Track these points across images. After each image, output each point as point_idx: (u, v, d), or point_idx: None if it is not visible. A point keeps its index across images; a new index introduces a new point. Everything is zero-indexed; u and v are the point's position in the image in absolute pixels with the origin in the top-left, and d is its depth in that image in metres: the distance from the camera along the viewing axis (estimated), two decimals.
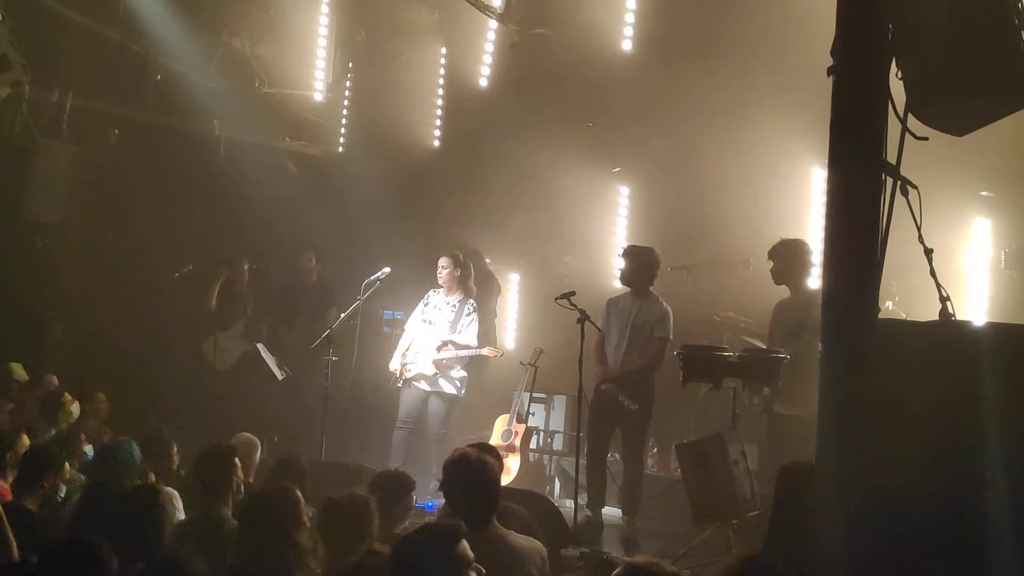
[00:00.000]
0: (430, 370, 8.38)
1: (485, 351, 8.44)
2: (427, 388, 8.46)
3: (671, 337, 7.40)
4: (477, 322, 8.51)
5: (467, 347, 8.37)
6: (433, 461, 8.29)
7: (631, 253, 7.73)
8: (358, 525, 4.37)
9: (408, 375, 8.46)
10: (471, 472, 4.28)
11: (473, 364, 8.73)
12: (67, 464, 5.52)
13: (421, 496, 7.66)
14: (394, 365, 8.57)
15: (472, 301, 8.56)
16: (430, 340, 8.45)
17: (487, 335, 10.05)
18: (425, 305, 8.63)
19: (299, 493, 4.31)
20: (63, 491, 5.58)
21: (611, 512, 7.91)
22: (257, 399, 9.47)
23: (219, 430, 7.18)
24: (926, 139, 3.82)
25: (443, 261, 8.53)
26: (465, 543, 3.40)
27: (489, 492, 4.28)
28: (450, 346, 8.35)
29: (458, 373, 8.48)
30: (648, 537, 7.22)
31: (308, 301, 10.00)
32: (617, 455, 8.02)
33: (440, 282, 8.53)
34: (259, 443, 6.46)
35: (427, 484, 7.83)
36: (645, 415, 7.42)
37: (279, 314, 10.16)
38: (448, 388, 8.46)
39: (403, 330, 8.85)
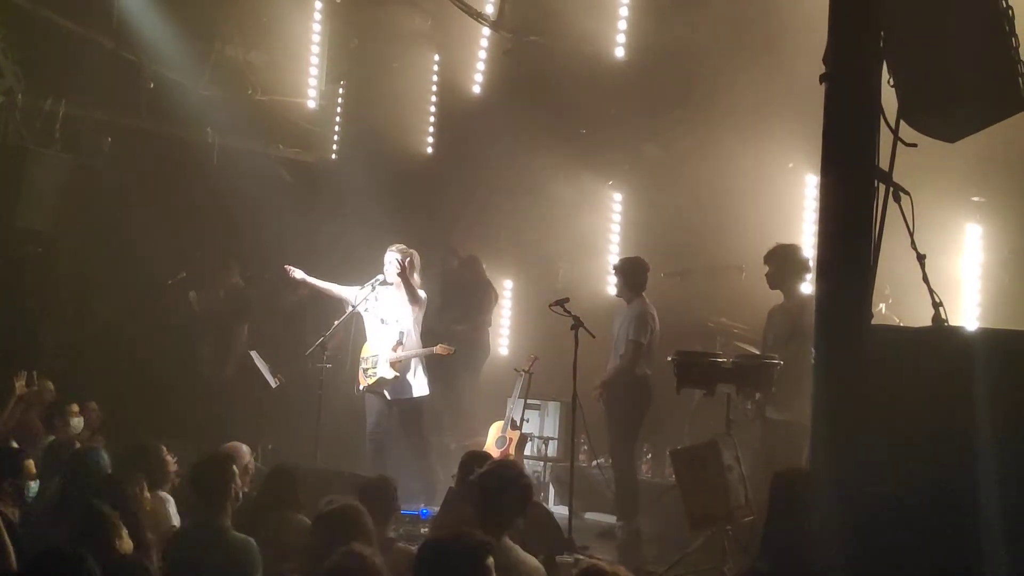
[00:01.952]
0: (390, 374, 8.17)
1: (436, 349, 8.26)
2: (389, 397, 8.26)
3: (642, 340, 7.45)
4: (420, 296, 8.24)
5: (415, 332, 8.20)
6: (416, 468, 8.26)
7: (616, 267, 7.97)
8: (353, 535, 4.39)
9: (370, 381, 8.25)
10: (514, 481, 4.45)
11: (457, 365, 8.63)
12: (29, 461, 5.47)
13: (410, 502, 7.65)
14: (308, 277, 8.46)
15: (421, 291, 8.32)
16: (386, 340, 8.24)
17: (480, 343, 10.07)
18: (376, 300, 8.29)
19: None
20: (33, 490, 5.57)
21: (604, 518, 7.92)
22: (248, 405, 9.42)
23: (213, 437, 7.18)
24: (915, 145, 3.83)
25: (390, 255, 8.17)
26: (492, 559, 3.43)
27: (523, 504, 4.44)
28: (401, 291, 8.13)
29: (417, 376, 8.29)
30: (643, 542, 7.22)
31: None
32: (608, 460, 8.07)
33: (388, 277, 8.19)
34: (248, 451, 6.44)
35: (413, 491, 7.80)
36: (624, 420, 7.48)
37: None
38: (416, 393, 8.28)
39: (352, 306, 8.39)
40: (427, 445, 8.50)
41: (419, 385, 8.30)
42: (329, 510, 4.51)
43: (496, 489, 4.42)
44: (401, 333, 8.23)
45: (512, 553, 4.27)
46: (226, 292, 10.16)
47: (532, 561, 4.36)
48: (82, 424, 7.50)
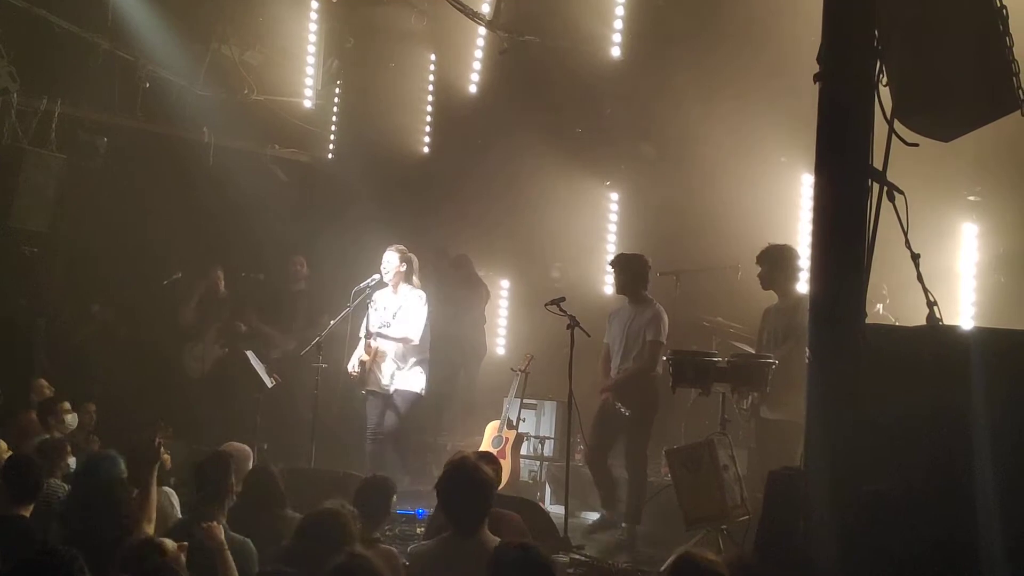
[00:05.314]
0: (393, 369, 8.08)
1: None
2: (389, 390, 8.13)
3: (663, 340, 7.40)
4: (424, 313, 8.09)
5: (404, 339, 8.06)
6: (399, 461, 8.19)
7: (620, 262, 7.76)
8: (338, 535, 4.42)
9: (372, 386, 8.14)
10: (467, 475, 4.36)
11: (454, 363, 8.57)
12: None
13: (405, 502, 7.62)
14: (352, 364, 8.22)
15: (420, 292, 8.18)
16: (386, 342, 8.10)
17: (476, 342, 10.06)
18: (375, 310, 8.17)
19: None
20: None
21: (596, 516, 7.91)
22: (239, 404, 9.38)
23: (206, 437, 7.19)
24: (916, 145, 3.84)
25: (389, 256, 8.06)
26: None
27: (482, 497, 4.36)
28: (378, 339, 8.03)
29: (418, 375, 8.20)
30: (638, 541, 7.21)
31: (302, 306, 10.00)
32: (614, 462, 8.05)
33: (386, 278, 8.08)
34: (251, 452, 6.44)
35: (411, 492, 7.76)
36: (641, 421, 7.41)
37: (272, 317, 10.17)
38: (414, 387, 8.17)
39: (360, 337, 8.28)
40: (406, 436, 8.39)
41: (417, 382, 8.24)
42: (312, 513, 4.55)
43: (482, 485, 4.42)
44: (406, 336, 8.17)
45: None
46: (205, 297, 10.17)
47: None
48: (76, 421, 7.48)
